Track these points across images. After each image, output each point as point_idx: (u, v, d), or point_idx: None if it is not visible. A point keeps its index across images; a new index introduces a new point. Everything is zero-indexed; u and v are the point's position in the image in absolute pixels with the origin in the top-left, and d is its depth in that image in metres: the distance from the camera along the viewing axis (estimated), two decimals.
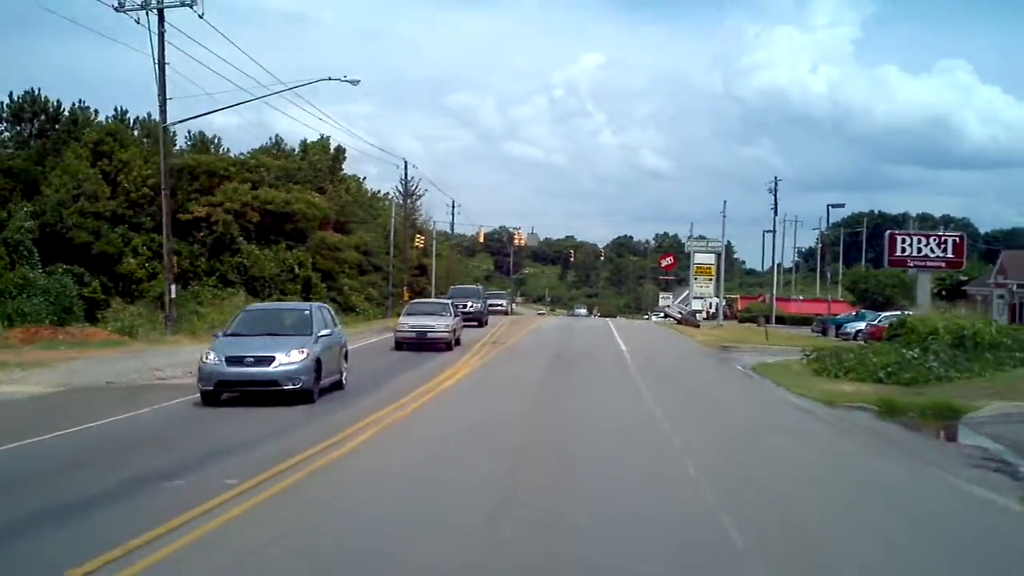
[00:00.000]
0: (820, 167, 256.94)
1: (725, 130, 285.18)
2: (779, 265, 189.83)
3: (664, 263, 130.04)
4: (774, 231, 78.07)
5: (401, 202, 77.17)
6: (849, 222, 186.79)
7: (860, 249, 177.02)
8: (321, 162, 70.69)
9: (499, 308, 69.14)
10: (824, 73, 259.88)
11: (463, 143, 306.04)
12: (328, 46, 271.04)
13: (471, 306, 52.48)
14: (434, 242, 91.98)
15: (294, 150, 72.24)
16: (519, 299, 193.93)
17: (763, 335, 57.01)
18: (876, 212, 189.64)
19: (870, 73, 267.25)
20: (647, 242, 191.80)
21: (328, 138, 71.16)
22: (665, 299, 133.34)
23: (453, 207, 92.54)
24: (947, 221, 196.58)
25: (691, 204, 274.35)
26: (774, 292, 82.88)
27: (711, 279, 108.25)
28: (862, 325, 52.31)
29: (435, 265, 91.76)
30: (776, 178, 79.55)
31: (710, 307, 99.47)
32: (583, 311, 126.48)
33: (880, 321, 47.80)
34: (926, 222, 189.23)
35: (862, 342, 49.07)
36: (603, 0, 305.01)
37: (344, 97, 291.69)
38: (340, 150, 71.85)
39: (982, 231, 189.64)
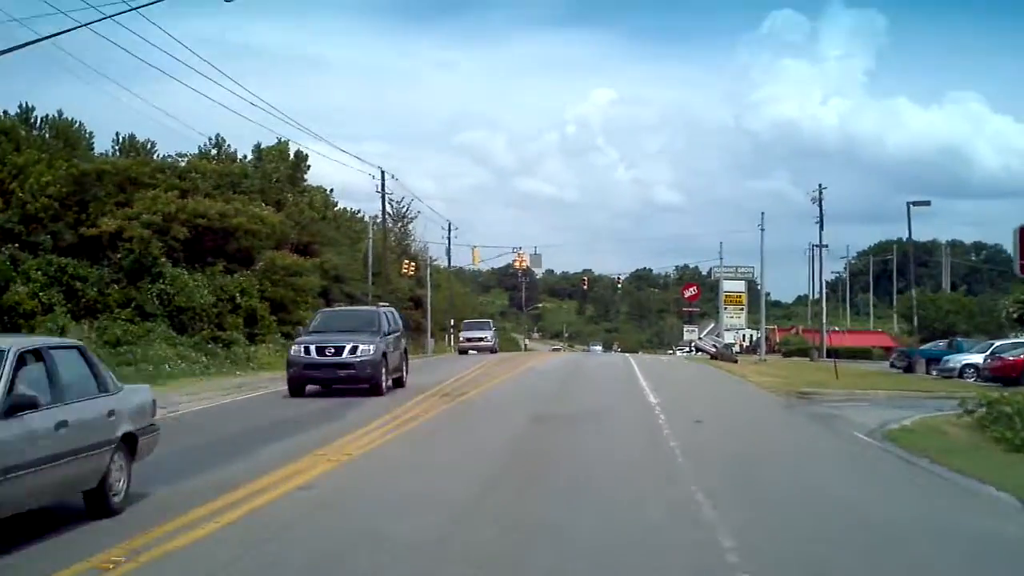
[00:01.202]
0: (837, 198, 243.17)
1: (738, 164, 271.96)
2: (805, 296, 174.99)
3: (687, 294, 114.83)
4: (820, 245, 62.96)
5: (380, 219, 62.51)
6: (875, 251, 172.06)
7: (891, 279, 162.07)
8: (279, 171, 56.34)
9: (482, 343, 56.96)
10: (835, 105, 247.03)
11: (476, 180, 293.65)
12: (336, 85, 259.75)
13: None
14: (428, 269, 77.35)
15: (245, 157, 58.01)
16: (536, 335, 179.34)
17: (824, 372, 42.11)
18: (905, 239, 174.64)
19: (881, 104, 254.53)
20: (667, 275, 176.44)
21: (287, 142, 56.90)
22: (690, 332, 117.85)
23: (449, 229, 78.11)
24: (979, 248, 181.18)
25: (708, 237, 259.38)
26: (824, 321, 67.51)
27: (742, 308, 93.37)
28: (974, 358, 37.11)
29: (431, 296, 77.16)
30: (820, 186, 64.71)
31: (743, 339, 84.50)
32: (598, 348, 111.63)
33: (1009, 353, 33.00)
34: (957, 248, 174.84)
35: (979, 381, 34.18)
36: (615, 36, 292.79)
37: (354, 136, 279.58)
38: (302, 156, 57.47)
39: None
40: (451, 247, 78.36)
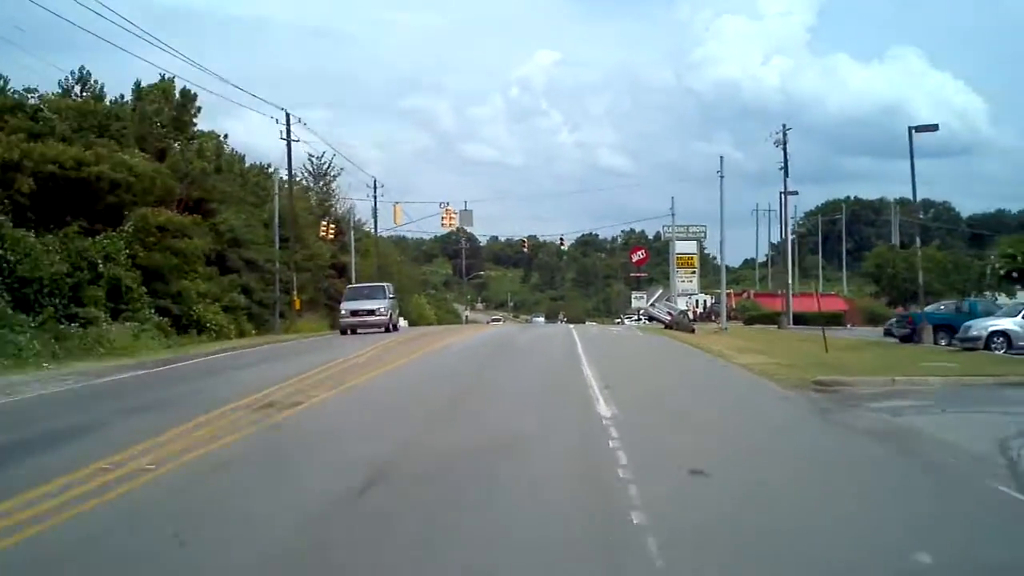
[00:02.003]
0: (778, 160, 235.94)
1: (682, 125, 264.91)
2: (753, 260, 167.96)
3: (635, 258, 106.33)
4: (784, 195, 53.90)
5: (288, 171, 52.86)
6: (823, 211, 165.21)
7: (839, 239, 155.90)
8: (161, 113, 46.44)
9: (372, 318, 41.41)
10: (777, 64, 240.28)
11: (419, 145, 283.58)
12: (281, 47, 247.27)
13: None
14: (352, 232, 67.88)
15: (122, 97, 47.97)
16: (479, 305, 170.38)
17: (810, 344, 33.91)
18: (852, 198, 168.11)
19: (823, 62, 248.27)
20: (613, 239, 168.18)
21: (172, 79, 46.88)
22: (638, 299, 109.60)
23: (375, 188, 68.52)
24: (927, 206, 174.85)
25: (655, 201, 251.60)
26: (791, 283, 59.29)
27: (694, 271, 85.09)
28: (1004, 323, 28.67)
29: (357, 263, 67.80)
30: (784, 127, 56.07)
31: (697, 306, 76.25)
32: (541, 319, 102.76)
33: None
34: (906, 206, 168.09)
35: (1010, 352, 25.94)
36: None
37: (294, 103, 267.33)
38: (189, 96, 47.49)
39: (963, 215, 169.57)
40: (379, 209, 68.88)
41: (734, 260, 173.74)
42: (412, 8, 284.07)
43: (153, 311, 37.97)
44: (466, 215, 56.01)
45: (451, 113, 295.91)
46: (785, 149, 54.11)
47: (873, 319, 60.68)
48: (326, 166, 71.85)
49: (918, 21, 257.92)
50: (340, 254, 68.79)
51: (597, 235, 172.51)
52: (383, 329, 41.26)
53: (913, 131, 42.18)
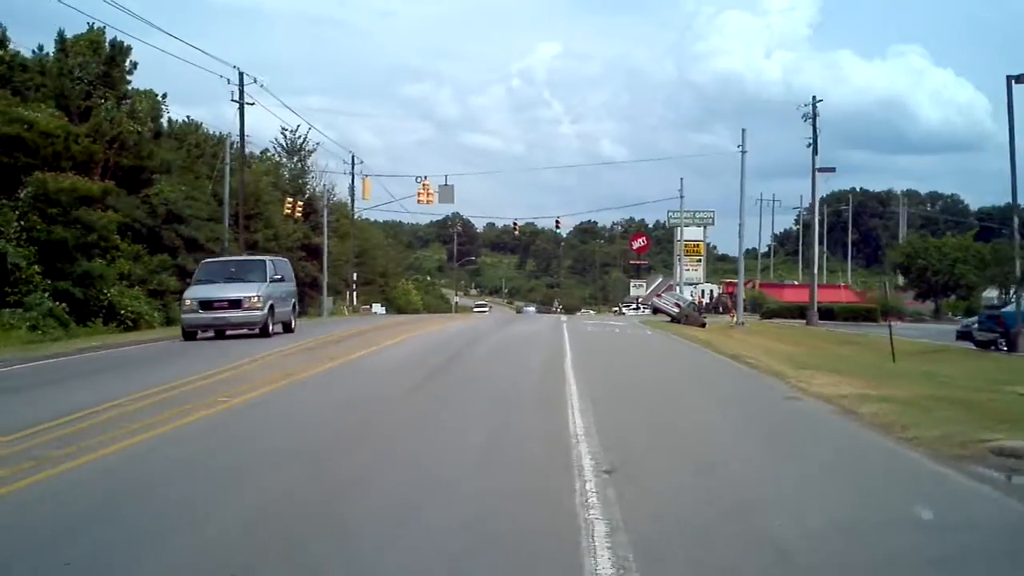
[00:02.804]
0: (778, 154, 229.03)
1: (683, 118, 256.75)
2: (754, 250, 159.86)
3: (636, 245, 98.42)
4: (816, 169, 45.27)
5: (240, 138, 44.46)
6: (827, 201, 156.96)
7: (844, 230, 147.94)
8: (88, 67, 38.17)
9: (237, 314, 25.14)
10: (779, 58, 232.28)
11: (420, 135, 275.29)
12: (279, 36, 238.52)
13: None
14: (326, 211, 59.58)
15: (42, 48, 39.74)
16: (473, 290, 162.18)
17: (863, 350, 26.06)
18: (858, 190, 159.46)
19: (825, 57, 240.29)
20: (612, 227, 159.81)
21: (102, 29, 38.68)
22: (637, 287, 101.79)
23: (352, 164, 60.23)
24: (935, 198, 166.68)
25: (654, 191, 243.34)
26: (816, 272, 51.09)
27: (700, 260, 77.20)
28: None
29: (328, 246, 59.57)
30: (814, 98, 47.69)
31: (703, 296, 68.11)
32: (532, 308, 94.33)
33: None
34: (913, 198, 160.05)
35: None
36: None
37: (295, 90, 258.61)
38: (121, 49, 39.26)
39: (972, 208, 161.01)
40: (363, 188, 60.37)
41: (734, 250, 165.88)
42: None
43: (47, 295, 29.95)
44: (446, 191, 47.85)
45: (451, 102, 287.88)
46: (815, 124, 46.13)
47: (853, 315, 52.92)
48: (300, 140, 63.69)
49: (920, 18, 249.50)
50: (314, 235, 60.65)
51: (596, 223, 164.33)
52: (258, 331, 25.31)
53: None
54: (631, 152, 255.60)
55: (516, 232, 58.12)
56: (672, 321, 43.75)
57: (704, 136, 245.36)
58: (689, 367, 20.22)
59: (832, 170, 40.80)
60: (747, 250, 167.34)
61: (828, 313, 48.91)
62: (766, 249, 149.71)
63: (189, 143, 50.34)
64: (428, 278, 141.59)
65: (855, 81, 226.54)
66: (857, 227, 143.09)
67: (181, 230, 40.56)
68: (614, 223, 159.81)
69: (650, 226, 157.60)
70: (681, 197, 62.63)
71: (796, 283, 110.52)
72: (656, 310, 44.99)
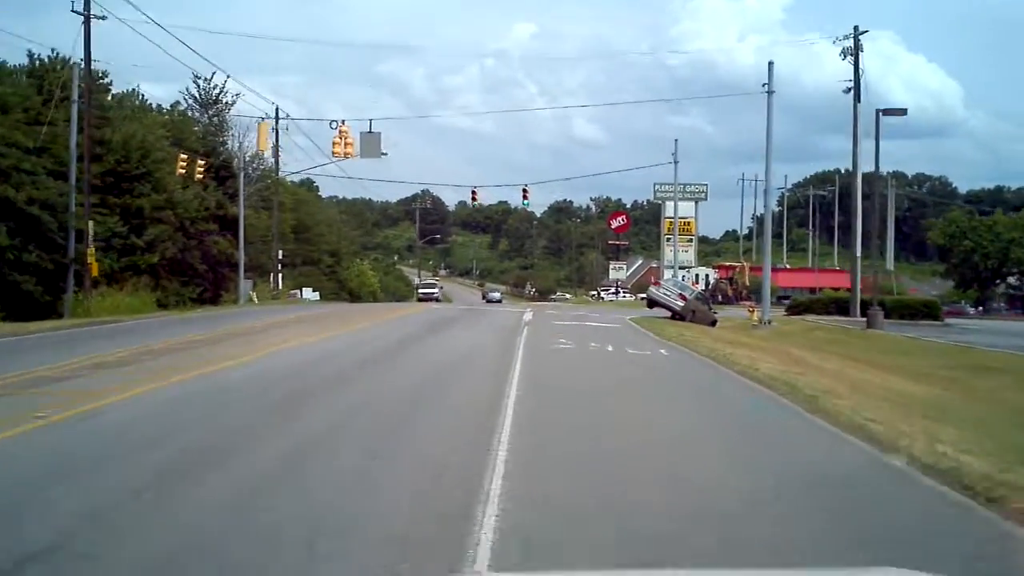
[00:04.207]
0: (753, 137, 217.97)
1: (658, 100, 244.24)
2: (734, 232, 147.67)
3: (615, 224, 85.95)
4: (856, 120, 32.48)
5: (86, 65, 31.28)
6: (810, 184, 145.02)
7: (831, 213, 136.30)
8: None
9: None
10: (752, 42, 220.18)
11: (394, 112, 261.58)
12: (256, 10, 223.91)
13: None
14: (242, 175, 46.32)
15: None
16: (443, 271, 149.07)
17: None
18: (844, 171, 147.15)
19: (798, 42, 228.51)
20: (588, 207, 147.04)
21: None
22: (617, 269, 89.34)
23: (276, 119, 46.90)
24: (922, 180, 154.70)
25: (627, 174, 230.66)
26: (859, 261, 38.42)
27: (691, 240, 64.74)
28: None
29: (246, 218, 46.46)
30: (857, 29, 34.85)
31: (696, 282, 55.56)
32: (496, 294, 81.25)
33: None
34: (901, 180, 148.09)
35: None
36: None
37: (269, 68, 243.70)
38: None
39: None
40: (278, 141, 47.15)
41: (714, 232, 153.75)
42: None
43: None
44: (370, 141, 34.58)
45: (425, 81, 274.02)
46: (857, 62, 33.44)
47: (908, 311, 37.34)
48: (216, 91, 50.36)
49: (894, 5, 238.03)
50: (231, 204, 47.52)
51: (571, 202, 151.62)
52: None
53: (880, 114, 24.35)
54: (606, 132, 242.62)
55: (474, 202, 45.74)
56: (673, 317, 31.31)
57: (679, 117, 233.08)
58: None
59: (903, 112, 28.15)
60: (727, 232, 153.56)
61: (883, 306, 36.09)
62: (747, 231, 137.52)
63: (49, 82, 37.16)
64: (396, 257, 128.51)
65: (829, 67, 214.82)
66: (843, 209, 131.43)
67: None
68: (592, 198, 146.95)
69: (628, 206, 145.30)
70: (675, 163, 49.97)
71: (788, 267, 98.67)
72: (652, 303, 32.34)
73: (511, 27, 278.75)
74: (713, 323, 32.31)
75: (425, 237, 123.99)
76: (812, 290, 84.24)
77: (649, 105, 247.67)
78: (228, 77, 52.76)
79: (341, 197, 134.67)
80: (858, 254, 36.66)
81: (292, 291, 48.77)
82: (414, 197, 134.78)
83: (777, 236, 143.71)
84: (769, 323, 30.00)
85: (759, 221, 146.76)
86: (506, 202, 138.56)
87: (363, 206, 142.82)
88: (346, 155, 34.63)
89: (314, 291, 50.26)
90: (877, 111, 28.30)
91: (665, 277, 42.56)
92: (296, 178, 64.58)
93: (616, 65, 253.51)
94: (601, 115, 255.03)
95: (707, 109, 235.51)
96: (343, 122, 34.08)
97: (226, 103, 50.28)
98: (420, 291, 70.52)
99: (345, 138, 34.12)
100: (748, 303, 63.88)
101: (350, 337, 19.14)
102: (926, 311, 35.40)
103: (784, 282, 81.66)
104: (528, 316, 27.43)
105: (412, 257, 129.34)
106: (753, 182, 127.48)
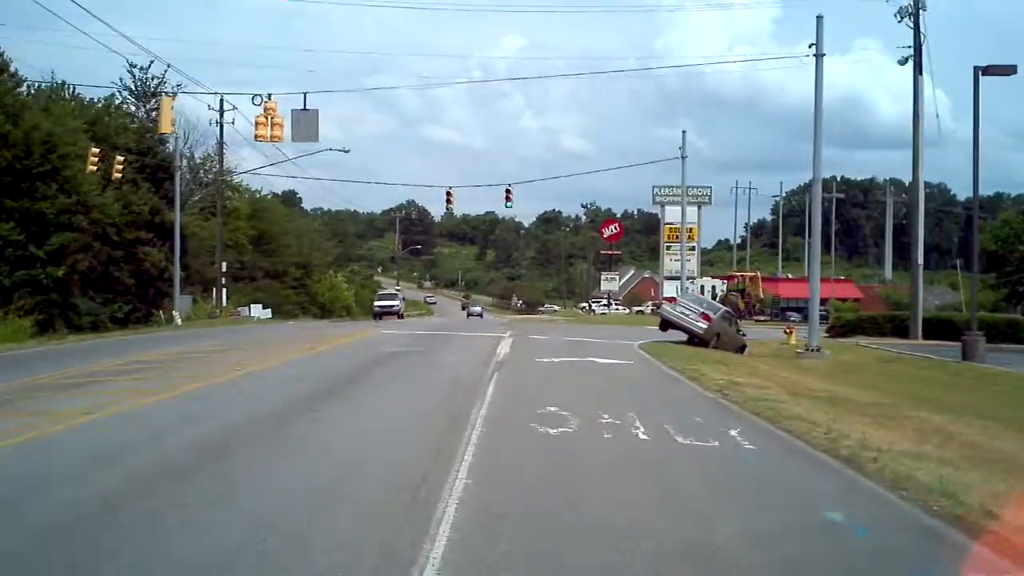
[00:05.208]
0: (739, 147, 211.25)
1: (644, 111, 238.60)
2: (727, 241, 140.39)
3: (607, 232, 78.21)
4: (917, 92, 24.83)
5: None
6: (805, 191, 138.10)
7: (826, 221, 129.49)
8: None
9: None
10: (740, 53, 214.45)
11: (383, 127, 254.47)
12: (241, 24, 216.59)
13: None
14: (178, 175, 38.63)
15: None
16: (428, 283, 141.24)
17: None
18: (839, 178, 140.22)
19: (786, 53, 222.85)
20: (577, 217, 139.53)
21: None
22: (609, 280, 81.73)
23: (221, 110, 39.26)
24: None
25: (616, 184, 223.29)
26: (919, 269, 30.80)
27: (694, 248, 57.22)
28: None
29: (180, 223, 38.70)
30: None
31: (701, 294, 48.04)
32: (478, 309, 73.79)
33: None
34: (898, 188, 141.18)
35: None
36: None
37: (255, 83, 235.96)
38: None
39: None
40: (222, 137, 39.47)
41: (705, 242, 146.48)
42: None
43: None
44: (304, 121, 26.41)
45: (415, 96, 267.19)
46: (918, 24, 26.22)
47: (943, 328, 27.75)
48: (156, 82, 42.69)
49: (880, 14, 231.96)
50: (168, 210, 39.83)
51: (560, 211, 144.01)
52: None
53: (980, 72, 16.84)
54: (594, 144, 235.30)
55: (449, 204, 38.25)
56: (690, 341, 23.81)
57: (666, 130, 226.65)
58: None
59: (1012, 70, 20.88)
60: (719, 241, 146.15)
61: (939, 327, 28.40)
62: (739, 241, 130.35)
63: None
64: (379, 269, 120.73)
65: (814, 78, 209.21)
66: (839, 217, 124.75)
67: None
68: (583, 205, 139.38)
69: (618, 216, 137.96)
70: (683, 157, 42.30)
71: (790, 276, 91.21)
72: (667, 324, 24.56)
73: (500, 40, 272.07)
74: (742, 348, 24.82)
75: (411, 248, 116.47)
76: (823, 300, 77.15)
77: (636, 117, 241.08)
78: (168, 67, 44.93)
79: (326, 209, 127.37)
80: (919, 261, 29.10)
81: (240, 308, 40.95)
82: (399, 208, 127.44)
83: (771, 245, 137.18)
84: (818, 350, 22.47)
85: (750, 230, 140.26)
86: (493, 212, 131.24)
87: (347, 217, 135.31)
88: (273, 138, 26.86)
89: (265, 308, 42.44)
90: (976, 68, 20.91)
91: (683, 292, 34.78)
92: (278, 189, 57.04)
93: (604, 78, 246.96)
94: (590, 128, 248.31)
95: (694, 120, 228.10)
96: (269, 97, 26.32)
97: (165, 94, 42.46)
98: (377, 304, 54.38)
99: (272, 117, 26.34)
100: (761, 317, 56.39)
101: (168, 407, 11.19)
102: (1008, 332, 27.64)
103: (786, 292, 74.55)
104: (504, 349, 19.67)
105: (397, 269, 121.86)
106: (747, 190, 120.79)
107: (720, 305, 27.07)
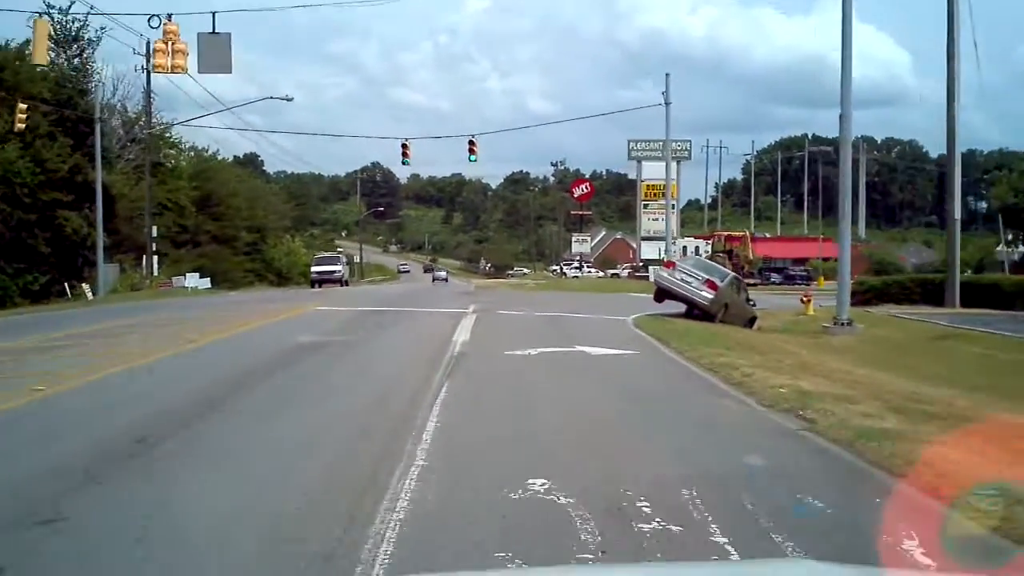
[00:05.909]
0: (706, 109, 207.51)
1: (609, 73, 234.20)
2: (697, 201, 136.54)
3: (577, 192, 73.47)
4: (954, 31, 21.05)
5: None
6: (778, 148, 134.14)
7: (796, 180, 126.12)
8: None
9: None
10: (704, 14, 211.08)
11: (347, 90, 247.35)
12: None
13: None
14: (99, 127, 33.38)
15: None
16: (394, 247, 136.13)
17: None
18: (810, 136, 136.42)
19: (748, 14, 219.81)
20: (546, 178, 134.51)
21: None
22: (580, 242, 77.50)
23: (148, 51, 33.94)
24: (893, 144, 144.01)
25: (581, 144, 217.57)
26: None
27: (674, 206, 52.85)
28: None
29: (102, 181, 33.63)
30: None
31: (684, 255, 43.70)
32: (443, 273, 69.39)
33: None
34: (871, 145, 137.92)
35: None
36: None
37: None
38: None
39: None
40: (149, 86, 34.21)
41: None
42: None
43: None
44: (214, 46, 21.30)
45: (379, 58, 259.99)
46: None
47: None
48: (77, 26, 37.17)
49: None
50: (92, 170, 34.64)
51: (528, 173, 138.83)
52: None
53: None
54: (559, 105, 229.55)
55: (406, 158, 33.75)
56: (691, 313, 19.56)
57: (630, 92, 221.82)
58: None
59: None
60: (689, 201, 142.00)
61: (980, 293, 24.07)
62: (710, 200, 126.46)
63: None
64: (344, 233, 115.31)
65: (779, 39, 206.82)
66: (810, 176, 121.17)
67: None
68: (552, 163, 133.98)
69: (586, 175, 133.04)
70: (667, 104, 37.72)
71: (767, 236, 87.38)
72: (664, 293, 20.05)
73: (464, 2, 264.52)
74: (751, 321, 20.54)
75: (376, 211, 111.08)
76: (801, 261, 73.24)
77: (601, 80, 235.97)
78: (92, 8, 39.27)
79: (290, 172, 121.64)
80: (957, 216, 24.86)
81: (174, 276, 35.97)
82: (363, 170, 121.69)
83: (743, 204, 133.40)
84: (850, 323, 18.21)
85: (721, 190, 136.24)
86: (460, 174, 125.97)
87: (311, 180, 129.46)
88: (174, 68, 21.73)
89: (203, 276, 37.45)
90: None
91: (682, 255, 30.45)
92: (240, 152, 51.50)
93: (568, 38, 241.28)
94: (556, 90, 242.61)
95: (660, 83, 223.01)
96: (169, 18, 21.08)
97: (89, 40, 37.16)
98: (314, 271, 45.14)
99: (173, 43, 21.21)
100: (751, 281, 52.28)
101: None
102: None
103: (765, 252, 70.77)
104: (463, 335, 14.81)
105: (363, 232, 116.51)
106: (718, 149, 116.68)
107: (727, 271, 22.64)
